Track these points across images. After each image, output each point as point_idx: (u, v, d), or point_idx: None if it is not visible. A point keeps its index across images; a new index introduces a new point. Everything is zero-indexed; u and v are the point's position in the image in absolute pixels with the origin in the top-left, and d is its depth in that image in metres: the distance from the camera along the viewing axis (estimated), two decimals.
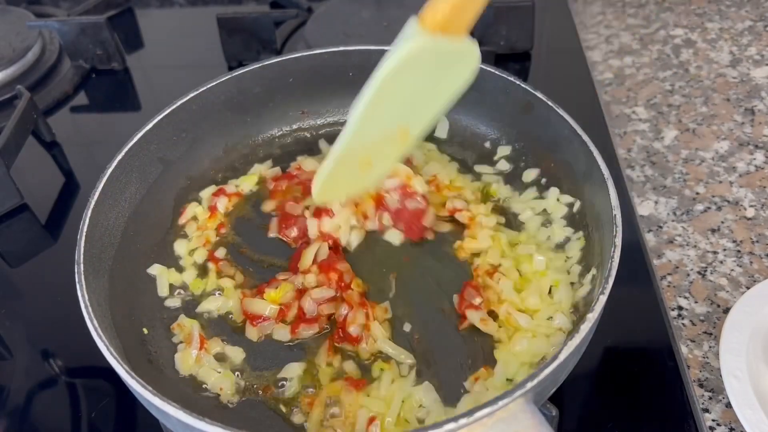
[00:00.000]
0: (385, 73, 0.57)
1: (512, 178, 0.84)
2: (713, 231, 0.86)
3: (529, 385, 0.49)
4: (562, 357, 0.51)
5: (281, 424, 0.62)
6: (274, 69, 0.89)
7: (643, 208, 0.90)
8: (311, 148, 0.92)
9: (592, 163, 0.69)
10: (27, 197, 0.96)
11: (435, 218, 0.78)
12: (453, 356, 0.67)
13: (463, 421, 0.47)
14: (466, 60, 0.62)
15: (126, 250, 0.74)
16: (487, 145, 0.88)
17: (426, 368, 0.66)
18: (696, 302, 0.78)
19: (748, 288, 0.77)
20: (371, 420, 0.60)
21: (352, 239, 0.78)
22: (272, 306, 0.70)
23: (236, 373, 0.67)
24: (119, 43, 1.23)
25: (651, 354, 0.72)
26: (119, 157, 0.75)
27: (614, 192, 0.65)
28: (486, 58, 1.14)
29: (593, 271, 0.68)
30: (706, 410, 0.68)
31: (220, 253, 0.78)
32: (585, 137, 0.71)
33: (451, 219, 0.79)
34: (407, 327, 0.69)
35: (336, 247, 0.76)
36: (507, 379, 0.63)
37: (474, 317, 0.67)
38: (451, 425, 0.47)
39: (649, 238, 0.85)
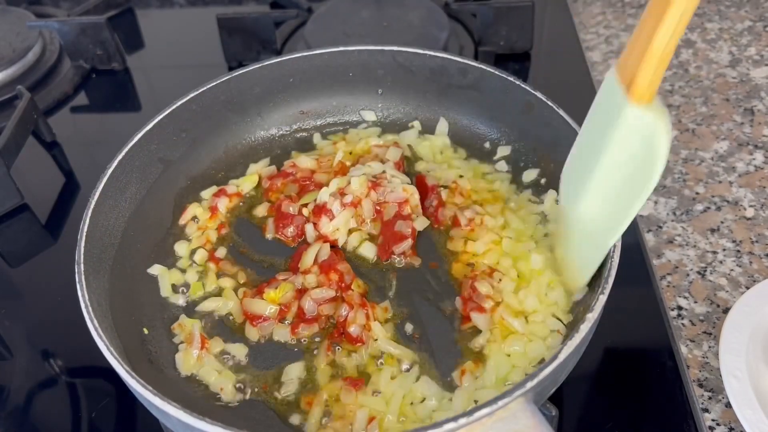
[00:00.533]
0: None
1: (512, 179, 0.84)
2: (713, 231, 0.86)
3: (529, 385, 0.49)
4: (561, 357, 0.52)
5: (281, 424, 0.63)
6: (274, 69, 0.89)
7: (643, 208, 0.90)
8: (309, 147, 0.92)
9: None
10: (27, 197, 0.96)
11: (411, 248, 0.76)
12: (452, 355, 0.67)
13: (462, 420, 0.47)
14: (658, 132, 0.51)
15: (126, 250, 0.74)
16: (487, 145, 0.88)
17: (426, 366, 0.66)
18: (696, 302, 0.78)
19: (747, 288, 0.78)
20: (370, 420, 0.61)
21: (351, 240, 0.78)
22: (272, 306, 0.70)
23: (237, 373, 0.67)
24: (119, 43, 1.23)
25: (651, 354, 0.72)
26: (119, 157, 0.75)
27: None
28: (486, 58, 1.14)
29: None
30: (706, 410, 0.68)
31: (221, 253, 0.78)
32: None
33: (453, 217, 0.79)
34: (408, 327, 0.69)
35: (336, 248, 0.77)
36: (497, 378, 0.63)
37: (479, 320, 0.67)
38: (451, 425, 0.47)
39: (649, 238, 0.86)
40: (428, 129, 0.91)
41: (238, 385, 0.66)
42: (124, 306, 0.69)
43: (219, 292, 0.74)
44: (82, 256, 0.64)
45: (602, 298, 0.56)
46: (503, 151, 0.86)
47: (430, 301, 0.72)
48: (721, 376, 0.66)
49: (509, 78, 0.81)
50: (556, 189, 0.79)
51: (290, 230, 0.79)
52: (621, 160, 0.53)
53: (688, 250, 0.84)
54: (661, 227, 0.87)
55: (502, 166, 0.85)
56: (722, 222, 0.87)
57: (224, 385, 0.65)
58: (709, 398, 0.69)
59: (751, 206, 0.88)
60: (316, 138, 0.92)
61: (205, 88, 0.85)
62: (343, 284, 0.71)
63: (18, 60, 1.18)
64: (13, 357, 0.78)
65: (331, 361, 0.67)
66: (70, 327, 0.75)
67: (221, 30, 1.18)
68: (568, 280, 0.67)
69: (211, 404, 0.64)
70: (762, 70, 1.09)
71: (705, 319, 0.76)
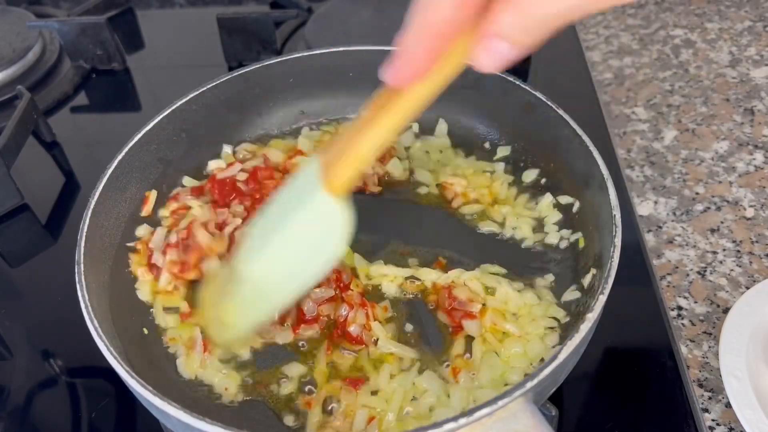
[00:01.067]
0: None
1: (512, 179, 0.84)
2: (713, 231, 0.86)
3: (529, 384, 0.49)
4: (561, 357, 0.52)
5: (281, 424, 0.62)
6: (274, 69, 0.89)
7: (643, 208, 0.90)
8: None
9: (592, 163, 0.69)
10: (27, 197, 0.96)
11: None
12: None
13: (462, 420, 0.47)
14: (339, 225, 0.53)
15: (126, 250, 0.74)
16: (487, 145, 0.88)
17: (426, 364, 0.66)
18: (696, 302, 0.78)
19: (747, 288, 0.78)
20: (370, 419, 0.61)
21: None
22: None
23: (238, 372, 0.67)
24: (119, 44, 1.23)
25: (651, 354, 0.72)
26: (119, 157, 0.75)
27: (614, 192, 0.65)
28: None
29: (593, 271, 0.68)
30: (706, 410, 0.68)
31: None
32: (585, 137, 0.71)
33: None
34: (408, 327, 0.69)
35: None
36: (492, 378, 0.63)
37: (470, 327, 0.67)
38: (451, 425, 0.47)
39: (649, 239, 0.85)
40: (428, 129, 0.91)
41: (239, 386, 0.65)
42: (124, 306, 0.69)
43: None
44: (82, 256, 0.64)
45: (602, 298, 0.56)
46: (503, 151, 0.86)
47: (430, 301, 0.72)
48: (721, 376, 0.66)
49: (509, 78, 0.81)
50: (556, 189, 0.79)
51: None
52: (300, 233, 0.54)
53: (688, 250, 0.84)
54: (661, 227, 0.87)
55: (502, 166, 0.85)
56: (722, 222, 0.87)
57: (229, 385, 0.65)
58: (709, 398, 0.69)
59: (751, 206, 0.88)
60: (303, 129, 0.93)
61: (205, 88, 0.85)
62: (341, 283, 0.71)
63: (18, 60, 1.18)
64: (13, 357, 0.77)
65: (331, 361, 0.67)
66: (70, 327, 0.75)
67: (221, 30, 1.18)
68: (220, 331, 0.65)
69: (211, 404, 0.64)
70: (762, 70, 1.09)
71: (705, 319, 0.76)
